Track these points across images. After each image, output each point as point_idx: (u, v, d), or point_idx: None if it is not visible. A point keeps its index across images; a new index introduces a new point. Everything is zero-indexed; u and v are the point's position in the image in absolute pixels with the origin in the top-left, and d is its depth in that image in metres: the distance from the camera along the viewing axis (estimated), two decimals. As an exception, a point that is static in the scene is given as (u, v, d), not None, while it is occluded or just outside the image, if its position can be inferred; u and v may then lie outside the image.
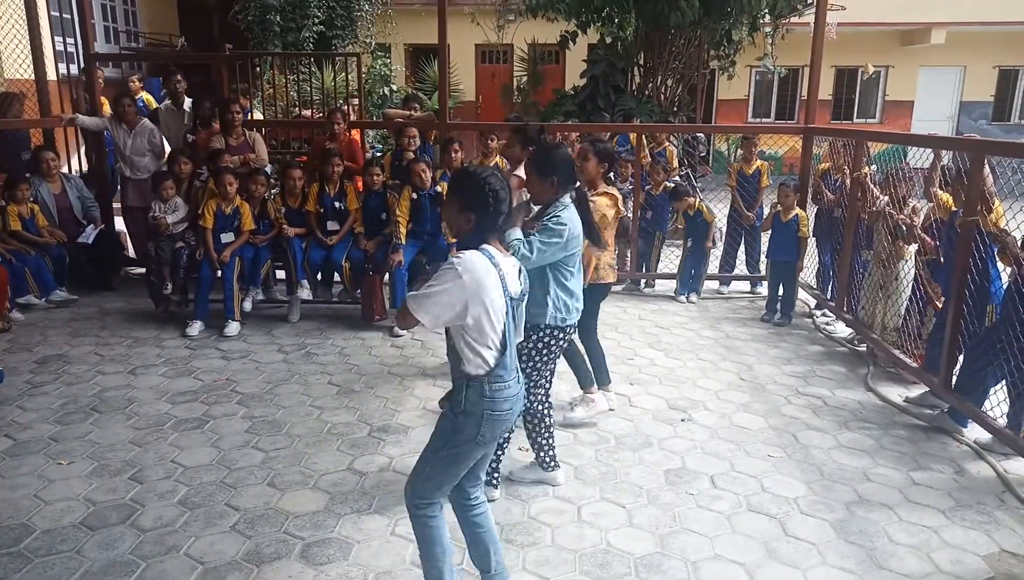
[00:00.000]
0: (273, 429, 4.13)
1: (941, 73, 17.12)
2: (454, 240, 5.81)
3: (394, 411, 4.38)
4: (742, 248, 7.22)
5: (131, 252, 7.33)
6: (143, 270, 6.59)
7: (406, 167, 5.96)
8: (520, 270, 2.48)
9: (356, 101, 7.84)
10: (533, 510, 3.32)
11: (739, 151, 7.60)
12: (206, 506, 3.33)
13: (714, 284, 7.31)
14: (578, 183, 3.32)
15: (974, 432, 4.13)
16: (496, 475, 3.42)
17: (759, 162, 7.00)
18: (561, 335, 3.33)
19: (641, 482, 3.59)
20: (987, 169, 4.08)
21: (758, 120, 17.38)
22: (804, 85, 16.82)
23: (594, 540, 3.12)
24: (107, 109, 7.28)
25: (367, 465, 3.73)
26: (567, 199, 3.25)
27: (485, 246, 2.34)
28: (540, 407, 3.43)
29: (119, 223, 7.34)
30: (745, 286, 7.32)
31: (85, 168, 7.60)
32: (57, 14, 8.02)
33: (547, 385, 3.49)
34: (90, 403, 4.43)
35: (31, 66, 6.85)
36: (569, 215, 3.21)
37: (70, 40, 8.48)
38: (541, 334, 3.28)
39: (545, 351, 3.31)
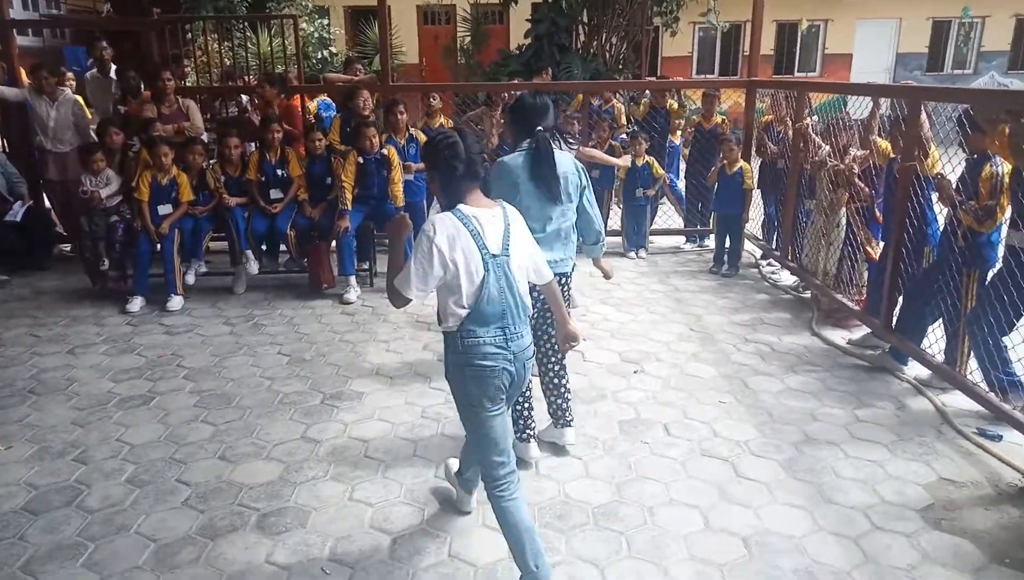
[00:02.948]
0: (222, 402, 4.04)
1: (877, 26, 17.42)
2: (401, 205, 5.79)
3: (347, 378, 4.33)
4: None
5: (61, 229, 7.03)
6: (70, 246, 6.33)
7: (354, 133, 5.81)
8: (507, 227, 2.42)
9: (295, 66, 7.60)
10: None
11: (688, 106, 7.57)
12: (155, 483, 3.25)
13: (676, 241, 7.37)
14: (539, 128, 3.07)
15: (914, 369, 4.28)
16: (528, 430, 3.34)
17: (718, 117, 6.99)
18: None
19: (597, 434, 3.63)
20: (924, 115, 4.17)
21: (702, 77, 17.46)
22: (746, 41, 16.93)
23: (552, 492, 3.14)
24: (25, 79, 6.90)
25: (321, 433, 3.68)
26: (526, 146, 3.11)
27: (459, 206, 2.38)
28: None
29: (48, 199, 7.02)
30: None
31: (3, 145, 7.20)
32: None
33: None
34: (27, 386, 4.27)
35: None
36: (509, 158, 3.12)
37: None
38: None
39: None
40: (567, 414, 3.47)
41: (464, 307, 2.36)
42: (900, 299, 4.41)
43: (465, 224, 2.35)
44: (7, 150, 7.02)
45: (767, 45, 16.57)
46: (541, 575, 2.42)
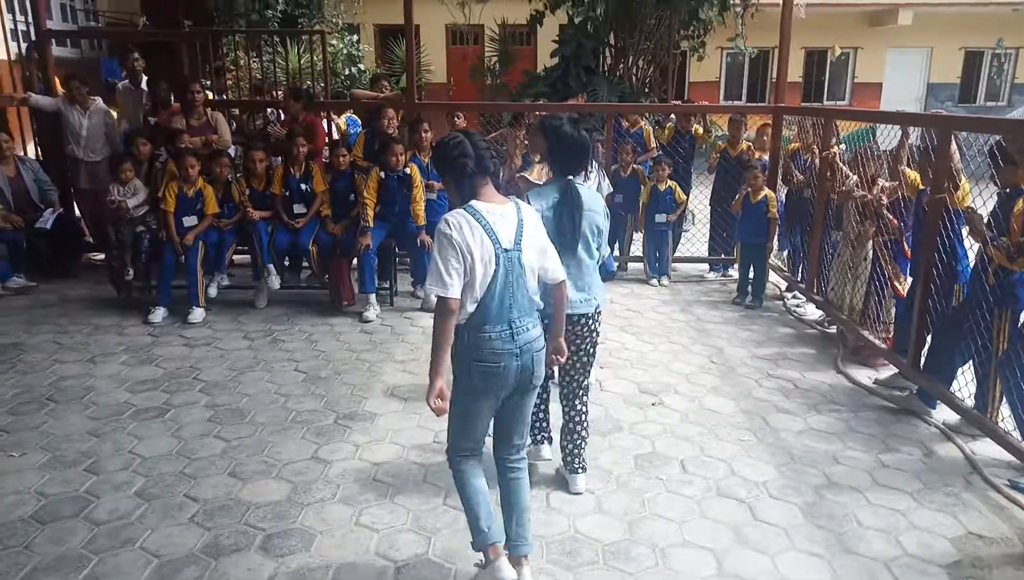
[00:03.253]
0: (236, 418, 4.02)
1: (908, 55, 17.24)
2: (422, 224, 5.79)
3: (361, 398, 4.30)
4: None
5: (90, 237, 7.12)
6: (103, 256, 6.40)
7: (380, 149, 5.83)
8: (520, 223, 2.48)
9: (322, 82, 7.67)
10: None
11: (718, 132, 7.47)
12: (164, 497, 3.23)
13: (700, 269, 7.27)
14: (571, 177, 3.08)
15: (943, 413, 4.15)
16: (543, 433, 3.49)
17: (744, 144, 6.91)
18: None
19: (611, 467, 3.55)
20: (954, 146, 4.07)
21: (730, 102, 17.38)
22: (775, 67, 16.82)
23: (562, 527, 3.07)
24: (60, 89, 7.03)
25: (332, 453, 3.65)
26: (559, 182, 3.06)
27: (471, 202, 2.44)
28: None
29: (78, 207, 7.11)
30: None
31: (37, 152, 7.32)
32: (11, -8, 7.67)
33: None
34: (46, 393, 4.29)
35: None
36: (535, 200, 2.98)
37: (24, 19, 8.14)
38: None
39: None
40: (577, 460, 3.35)
41: (474, 301, 2.41)
42: (929, 338, 4.29)
43: (477, 219, 2.41)
44: (41, 158, 7.14)
45: (795, 72, 16.45)
46: (492, 535, 2.54)
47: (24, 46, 7.43)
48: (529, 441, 3.34)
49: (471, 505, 2.59)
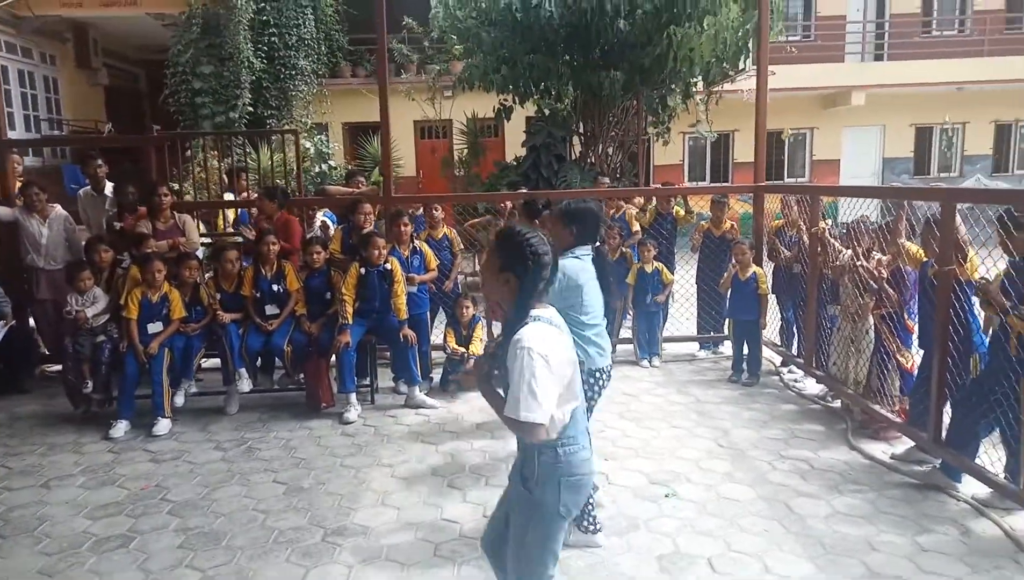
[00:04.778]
0: (211, 542, 3.61)
1: (863, 132, 17.87)
2: (404, 318, 5.53)
3: (349, 509, 3.91)
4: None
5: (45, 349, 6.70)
6: (59, 368, 5.98)
7: (359, 242, 5.62)
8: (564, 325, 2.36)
9: (295, 180, 7.53)
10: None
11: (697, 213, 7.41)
12: (128, 646, 2.81)
13: (690, 348, 7.09)
14: (598, 242, 3.40)
15: (969, 487, 3.91)
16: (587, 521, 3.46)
17: (728, 223, 6.85)
18: (589, 381, 3.33)
19: (633, 572, 3.22)
20: (959, 218, 4.00)
21: (694, 183, 17.71)
22: (734, 149, 17.33)
23: (590, 650, 2.71)
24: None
25: (322, 578, 3.25)
26: (581, 251, 3.32)
27: (537, 313, 2.22)
28: None
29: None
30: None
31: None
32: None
33: None
34: (-8, 527, 3.84)
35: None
36: (570, 264, 3.23)
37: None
38: None
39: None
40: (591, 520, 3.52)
41: (568, 412, 2.22)
42: (948, 410, 4.09)
43: (557, 326, 2.26)
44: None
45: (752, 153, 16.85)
46: None
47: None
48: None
49: None
